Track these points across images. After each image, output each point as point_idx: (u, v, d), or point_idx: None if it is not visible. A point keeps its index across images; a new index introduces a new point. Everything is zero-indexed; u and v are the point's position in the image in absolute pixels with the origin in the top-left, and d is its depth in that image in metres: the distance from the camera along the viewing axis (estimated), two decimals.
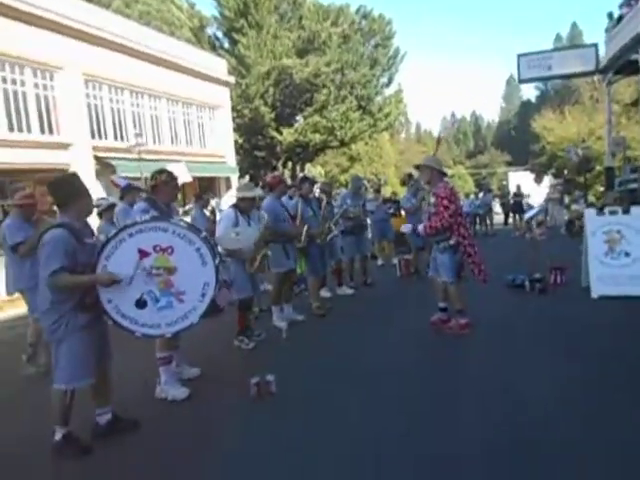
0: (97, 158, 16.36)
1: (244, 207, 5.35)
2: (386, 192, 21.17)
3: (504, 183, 36.79)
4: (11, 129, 13.96)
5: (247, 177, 30.76)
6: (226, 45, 30.44)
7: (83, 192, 3.43)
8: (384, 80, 32.82)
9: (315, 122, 28.88)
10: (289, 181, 30.92)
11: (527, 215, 10.96)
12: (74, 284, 3.18)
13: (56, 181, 3.47)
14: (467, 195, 19.91)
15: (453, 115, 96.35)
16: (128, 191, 6.78)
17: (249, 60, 27.71)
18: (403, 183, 11.32)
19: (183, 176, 16.60)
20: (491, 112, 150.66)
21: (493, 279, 7.91)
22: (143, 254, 3.38)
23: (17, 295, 5.42)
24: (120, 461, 3.21)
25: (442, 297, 5.57)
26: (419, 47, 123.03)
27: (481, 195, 19.21)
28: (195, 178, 19.08)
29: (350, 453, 3.08)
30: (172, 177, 4.13)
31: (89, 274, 3.26)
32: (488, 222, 17.99)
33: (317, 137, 29.43)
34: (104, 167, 16.29)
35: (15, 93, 14.10)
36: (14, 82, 14.08)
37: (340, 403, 3.82)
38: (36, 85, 14.71)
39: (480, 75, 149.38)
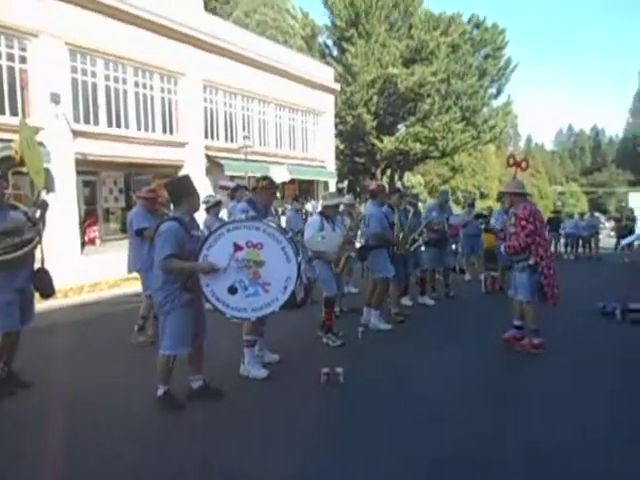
0: (208, 157, 17.82)
1: (329, 214, 5.80)
2: (484, 206, 20.70)
3: (623, 205, 34.02)
4: (139, 128, 15.70)
5: (346, 182, 31.46)
6: (335, 53, 31.43)
7: (193, 192, 4.06)
8: (492, 91, 32.05)
9: (417, 131, 28.89)
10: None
11: (624, 241, 10.37)
12: (181, 268, 3.81)
13: (172, 182, 4.15)
14: (570, 215, 18.85)
15: (570, 128, 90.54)
16: (237, 190, 7.47)
17: (356, 68, 28.39)
18: (499, 199, 11.16)
19: (283, 176, 17.58)
20: (615, 127, 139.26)
21: (583, 304, 7.73)
22: (237, 248, 3.95)
23: (133, 274, 6.31)
24: (206, 420, 3.80)
25: (518, 315, 5.62)
26: (535, 56, 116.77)
27: (587, 216, 18.14)
28: (295, 180, 20.04)
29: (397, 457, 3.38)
30: (272, 184, 4.70)
31: (193, 261, 3.88)
32: (593, 245, 16.93)
33: (418, 146, 29.42)
34: (213, 165, 17.72)
35: (145, 96, 15.84)
36: (144, 86, 15.83)
37: (398, 401, 4.13)
38: (162, 89, 16.41)
39: (604, 87, 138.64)
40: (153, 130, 16.17)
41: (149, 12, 14.85)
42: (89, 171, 15.60)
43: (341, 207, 7.12)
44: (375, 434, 3.56)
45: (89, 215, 16.45)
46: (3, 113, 12.13)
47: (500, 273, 9.38)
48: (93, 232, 16.27)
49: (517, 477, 3.06)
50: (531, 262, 5.26)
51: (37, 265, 4.68)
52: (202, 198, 4.89)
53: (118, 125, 15.05)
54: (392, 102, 29.46)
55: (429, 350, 5.65)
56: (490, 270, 10.20)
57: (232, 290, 3.92)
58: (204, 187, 16.15)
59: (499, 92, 32.62)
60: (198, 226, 4.20)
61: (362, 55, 28.48)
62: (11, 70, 12.31)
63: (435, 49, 28.80)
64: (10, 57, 12.26)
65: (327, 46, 32.54)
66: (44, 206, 4.72)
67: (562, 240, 17.42)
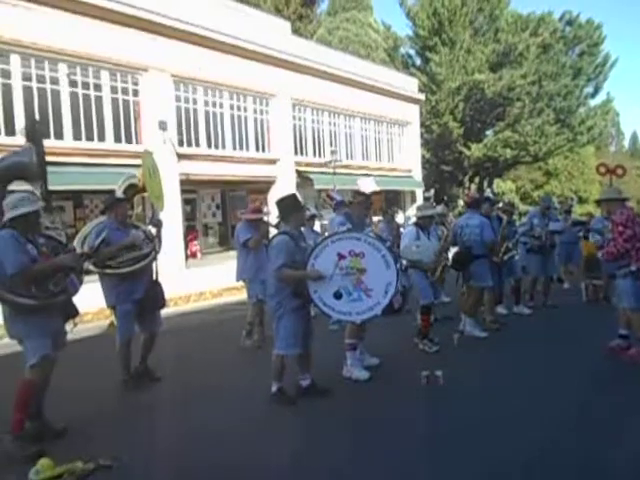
0: (298, 172, 18.57)
1: (424, 224, 6.01)
2: (584, 211, 19.60)
3: None
4: (234, 148, 16.78)
5: (432, 191, 31.16)
6: (418, 62, 31.37)
7: (300, 208, 4.49)
8: (589, 90, 30.32)
9: (506, 137, 28.03)
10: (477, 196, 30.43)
11: None
12: (292, 277, 4.22)
13: (281, 199, 4.60)
14: None
15: None
16: (340, 205, 7.88)
17: (440, 77, 28.17)
18: (598, 204, 10.64)
19: (371, 188, 17.87)
20: None
21: None
22: (341, 257, 4.30)
23: (233, 285, 6.85)
24: (313, 412, 4.16)
25: (624, 324, 5.46)
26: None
27: None
28: (382, 191, 20.25)
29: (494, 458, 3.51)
30: (367, 199, 5.02)
31: (303, 270, 4.27)
32: None
33: (508, 152, 28.51)
34: (304, 180, 18.43)
35: (239, 117, 16.92)
36: (239, 108, 16.92)
37: (495, 405, 4.23)
38: (255, 110, 17.43)
39: None
40: (247, 149, 17.20)
41: (243, 40, 15.91)
42: (190, 189, 16.87)
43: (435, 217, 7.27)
44: (473, 434, 3.71)
45: (190, 230, 17.76)
46: (120, 141, 13.58)
47: (604, 281, 8.97)
48: (195, 246, 17.55)
49: None
50: (633, 268, 5.12)
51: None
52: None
53: (216, 146, 16.20)
54: (479, 108, 28.84)
55: (525, 359, 5.63)
56: (592, 278, 9.77)
57: (337, 295, 4.27)
58: None
59: (597, 90, 30.80)
60: (304, 238, 4.61)
61: (446, 63, 28.23)
62: (126, 103, 13.76)
63: (524, 51, 27.85)
64: (125, 91, 13.71)
65: (410, 56, 32.57)
66: (160, 225, 5.34)
67: None
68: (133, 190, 5.57)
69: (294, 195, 4.67)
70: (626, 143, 77.84)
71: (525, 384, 4.77)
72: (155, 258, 5.19)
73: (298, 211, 4.46)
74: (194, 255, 17.32)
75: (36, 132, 4.02)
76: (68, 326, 3.86)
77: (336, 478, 3.23)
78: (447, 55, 28.34)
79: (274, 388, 4.35)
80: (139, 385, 5.02)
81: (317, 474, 3.27)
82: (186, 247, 16.67)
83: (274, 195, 17.03)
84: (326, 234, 7.70)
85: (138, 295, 4.96)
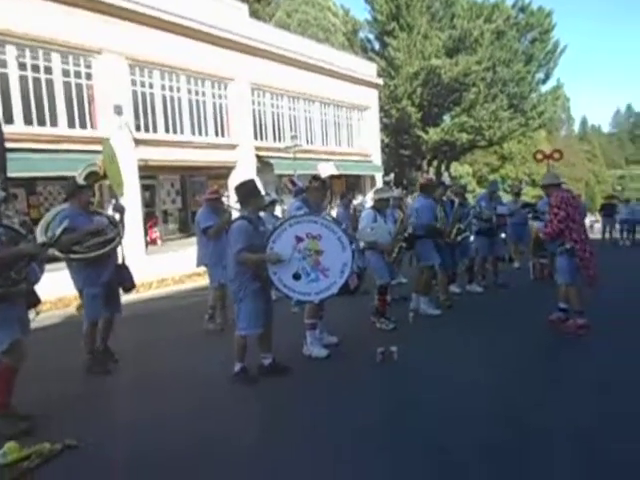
0: (258, 157, 18.53)
1: (380, 207, 6.25)
2: (536, 194, 20.44)
3: None
4: (193, 133, 16.58)
5: (392, 175, 31.67)
6: (377, 47, 31.56)
7: (258, 194, 4.63)
8: (540, 76, 31.31)
9: (462, 122, 28.70)
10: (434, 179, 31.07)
11: None
12: (252, 260, 4.37)
13: (240, 185, 4.72)
14: (627, 201, 18.38)
15: (629, 108, 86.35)
16: (300, 192, 8.01)
17: (398, 61, 28.48)
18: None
19: (331, 172, 18.05)
20: None
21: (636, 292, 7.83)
22: (299, 240, 4.48)
23: (195, 270, 6.96)
24: (275, 390, 4.37)
25: (562, 298, 5.89)
26: (588, 35, 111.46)
27: None
28: (342, 176, 20.49)
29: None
30: (323, 185, 5.22)
31: (261, 253, 4.43)
32: None
33: (464, 136, 29.22)
34: (264, 165, 18.42)
35: (197, 102, 16.70)
36: (197, 93, 16.68)
37: (446, 378, 4.54)
38: (213, 95, 17.22)
39: None
40: (206, 134, 17.02)
41: (199, 22, 15.64)
42: (148, 175, 16.60)
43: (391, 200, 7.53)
44: (423, 405, 4.00)
45: (149, 217, 17.52)
46: (74, 126, 13.22)
47: (549, 260, 9.50)
48: (154, 233, 17.34)
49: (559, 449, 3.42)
50: (567, 246, 5.56)
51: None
52: None
53: (174, 131, 15.96)
54: (436, 93, 29.34)
55: (476, 334, 6.00)
56: (539, 257, 10.32)
57: (296, 277, 4.47)
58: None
59: (547, 77, 31.83)
60: (263, 223, 4.76)
61: (404, 48, 28.53)
62: (79, 86, 13.37)
63: (479, 37, 28.47)
64: (77, 74, 13.31)
65: (369, 41, 32.71)
66: (122, 210, 5.47)
67: (617, 226, 17.08)
68: (94, 177, 5.61)
69: (252, 180, 4.81)
70: (576, 128, 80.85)
71: (474, 354, 5.13)
72: (120, 243, 5.30)
73: (256, 196, 4.60)
74: (154, 242, 17.12)
75: None
76: (31, 314, 3.91)
77: (299, 450, 3.43)
78: (405, 40, 28.64)
79: (237, 368, 4.52)
80: (102, 367, 5.12)
81: (281, 447, 3.46)
82: (145, 234, 16.45)
83: (234, 180, 16.94)
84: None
85: (104, 279, 5.08)
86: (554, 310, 6.05)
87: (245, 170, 17.35)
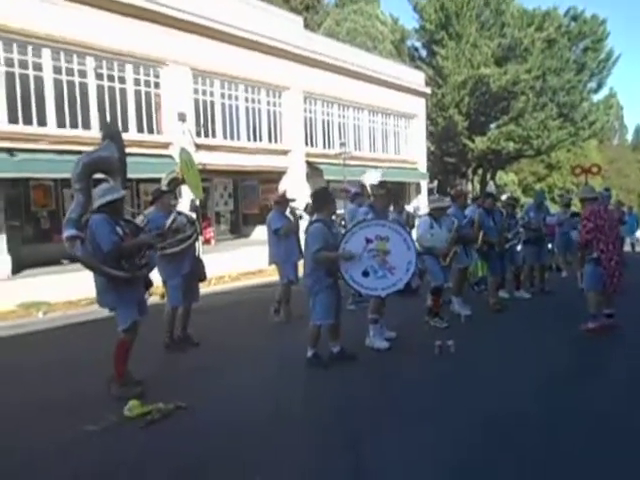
0: (308, 163, 19.15)
1: (436, 215, 6.72)
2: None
3: None
4: (248, 139, 17.43)
5: (435, 182, 31.81)
6: (424, 55, 31.82)
7: (331, 200, 5.21)
8: (592, 85, 30.78)
9: (510, 131, 28.59)
10: (478, 188, 30.90)
11: None
12: (327, 258, 4.95)
13: (316, 192, 5.33)
14: None
15: None
16: (357, 196, 8.55)
17: (446, 70, 28.66)
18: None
19: (377, 179, 18.53)
20: None
21: None
22: (368, 241, 5.03)
23: (248, 270, 7.59)
24: (345, 373, 4.92)
25: (605, 304, 6.23)
26: None
27: None
28: (385, 184, 20.88)
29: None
30: (388, 193, 5.75)
31: (335, 253, 5.00)
32: None
33: (511, 145, 29.08)
34: (313, 170, 19.01)
35: (253, 110, 17.54)
36: (253, 101, 17.53)
37: (499, 368, 4.98)
38: (268, 103, 18.04)
39: None
40: (260, 140, 17.84)
41: (258, 34, 16.47)
42: (204, 178, 17.50)
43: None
44: (478, 390, 4.47)
45: (204, 218, 18.45)
46: (142, 132, 14.24)
47: None
48: (209, 233, 18.26)
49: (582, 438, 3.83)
50: (594, 256, 5.94)
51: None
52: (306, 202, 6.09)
53: (232, 137, 16.84)
54: (484, 102, 29.32)
55: (523, 333, 6.43)
56: None
57: (365, 274, 5.03)
58: (306, 191, 17.55)
59: (600, 86, 31.28)
60: (336, 225, 5.34)
61: (453, 57, 28.69)
62: (148, 95, 14.39)
63: (529, 46, 28.29)
64: (147, 83, 14.33)
65: (416, 49, 32.98)
66: (198, 210, 6.23)
67: None
68: (175, 183, 6.38)
69: (326, 188, 5.41)
70: (629, 137, 78.09)
71: (526, 351, 5.59)
72: (197, 239, 6.02)
73: (330, 202, 5.18)
74: (208, 242, 18.02)
75: (113, 131, 4.71)
76: (145, 295, 4.62)
77: (368, 425, 3.92)
78: (453, 49, 28.79)
79: (310, 353, 5.10)
80: (181, 349, 5.83)
81: (352, 423, 3.95)
82: (201, 233, 17.36)
83: (285, 184, 17.71)
84: (342, 222, 8.49)
85: (185, 270, 5.78)
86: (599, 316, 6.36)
87: (295, 175, 18.08)
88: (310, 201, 8.73)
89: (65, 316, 8.93)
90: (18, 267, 11.58)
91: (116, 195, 4.23)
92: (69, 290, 10.12)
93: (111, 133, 4.60)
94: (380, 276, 5.01)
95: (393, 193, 7.64)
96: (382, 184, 5.91)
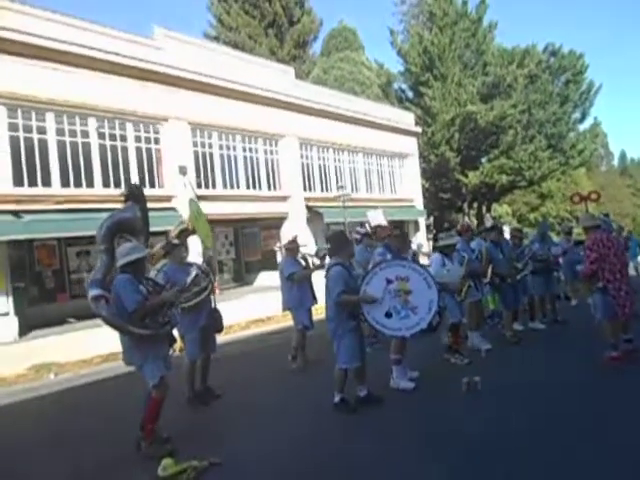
0: (308, 207, 19.43)
1: (447, 251, 6.79)
2: (580, 231, 20.40)
3: None
4: (247, 187, 17.68)
5: (431, 218, 32.16)
6: (411, 96, 32.73)
7: (348, 243, 5.27)
8: (577, 116, 31.60)
9: (501, 164, 29.14)
10: (474, 221, 31.15)
11: None
12: (349, 301, 4.96)
13: (331, 236, 5.39)
14: None
15: None
16: (364, 238, 8.56)
17: (434, 109, 29.43)
18: None
19: (380, 219, 18.71)
20: None
21: None
22: (389, 282, 5.05)
23: (257, 317, 7.60)
24: (374, 418, 4.83)
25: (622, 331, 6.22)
26: (623, 69, 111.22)
27: None
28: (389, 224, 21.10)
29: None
30: (403, 234, 5.83)
31: (356, 296, 5.01)
32: None
33: (504, 178, 29.57)
34: (314, 214, 19.27)
35: (251, 159, 17.89)
36: (250, 150, 17.90)
37: (529, 402, 4.92)
38: (265, 151, 18.41)
39: None
40: (259, 187, 18.10)
41: (251, 86, 17.01)
42: None
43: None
44: (518, 425, 4.41)
45: None
46: (144, 186, 14.43)
47: None
48: (215, 282, 18.21)
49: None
50: (600, 285, 5.94)
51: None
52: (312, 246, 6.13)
53: (231, 186, 17.10)
54: (474, 137, 29.98)
55: (548, 365, 6.36)
56: None
57: (388, 315, 5.02)
58: (306, 235, 17.69)
59: (584, 116, 32.10)
60: (354, 268, 5.38)
61: (439, 96, 29.52)
62: (149, 150, 14.69)
63: (512, 82, 29.20)
64: (147, 140, 14.66)
65: (403, 91, 33.91)
66: (211, 260, 6.22)
67: None
68: (185, 233, 6.44)
69: (342, 232, 5.49)
70: (615, 162, 79.64)
71: (550, 385, 5.50)
72: (212, 290, 6.01)
73: (347, 245, 5.24)
74: (213, 291, 17.96)
75: (136, 193, 4.82)
76: (170, 351, 4.59)
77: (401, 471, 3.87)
78: (440, 89, 29.68)
79: (337, 399, 5.03)
80: (204, 402, 5.73)
81: (387, 471, 3.90)
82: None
83: (286, 230, 17.86)
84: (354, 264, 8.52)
85: (201, 323, 5.77)
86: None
87: (296, 220, 18.26)
88: (322, 246, 8.89)
89: (77, 376, 8.80)
90: (24, 328, 11.48)
91: (139, 254, 4.29)
92: (78, 349, 10.02)
93: (134, 194, 4.70)
94: (403, 316, 5.01)
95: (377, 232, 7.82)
96: (396, 224, 5.99)
